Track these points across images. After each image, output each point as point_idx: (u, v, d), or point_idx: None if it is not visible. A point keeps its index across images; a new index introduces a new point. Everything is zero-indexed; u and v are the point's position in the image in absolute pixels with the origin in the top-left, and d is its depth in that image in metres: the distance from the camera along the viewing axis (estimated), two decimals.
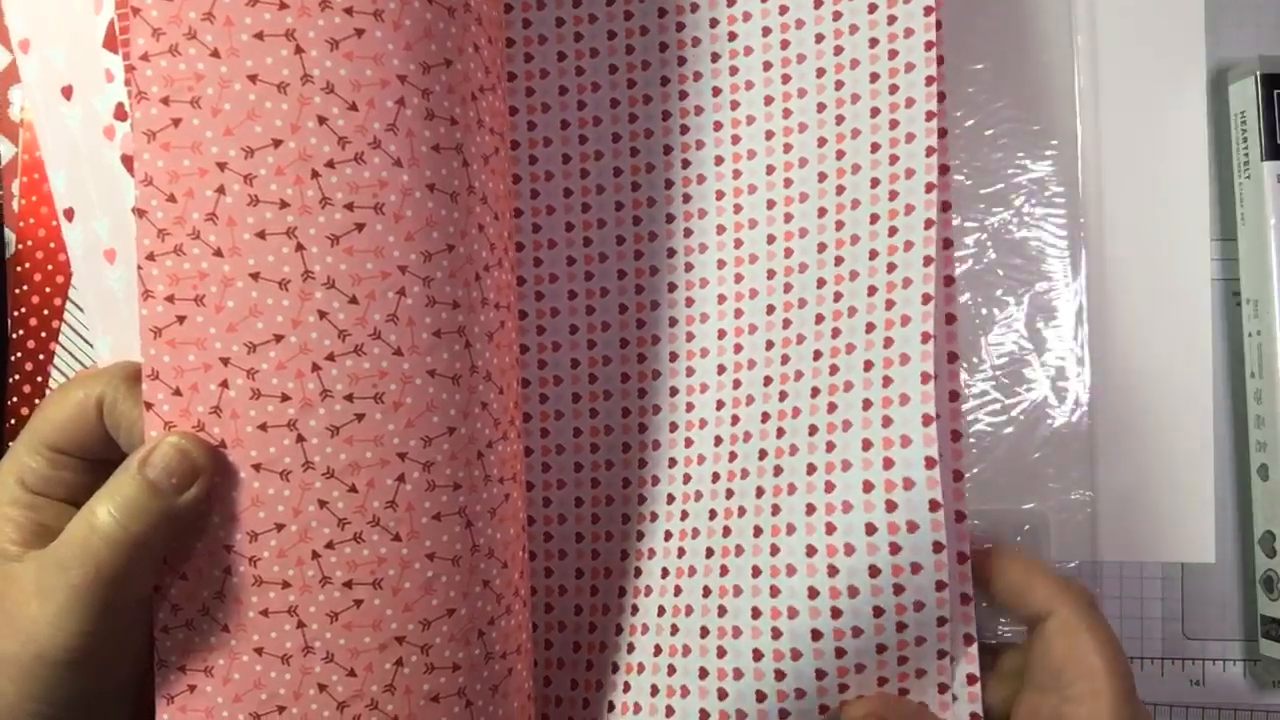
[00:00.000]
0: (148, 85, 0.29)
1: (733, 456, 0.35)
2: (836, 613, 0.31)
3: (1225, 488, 0.41)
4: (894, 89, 0.34)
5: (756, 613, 0.33)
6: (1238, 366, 0.41)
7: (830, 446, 0.32)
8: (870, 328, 0.33)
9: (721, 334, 0.37)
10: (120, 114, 0.37)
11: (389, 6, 0.29)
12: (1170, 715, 0.41)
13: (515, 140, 0.38)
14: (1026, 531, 0.41)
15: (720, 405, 0.36)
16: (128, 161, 0.37)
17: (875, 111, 0.34)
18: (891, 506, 0.31)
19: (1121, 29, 0.41)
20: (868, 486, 0.31)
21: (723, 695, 0.33)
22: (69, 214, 0.38)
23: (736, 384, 0.36)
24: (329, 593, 0.29)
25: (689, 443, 0.37)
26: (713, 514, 0.35)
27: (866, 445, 0.32)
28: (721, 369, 0.36)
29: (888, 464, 0.31)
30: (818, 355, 0.34)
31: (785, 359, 0.35)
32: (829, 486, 0.32)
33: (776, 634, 0.32)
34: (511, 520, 0.33)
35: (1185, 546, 0.41)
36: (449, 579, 0.30)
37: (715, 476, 0.36)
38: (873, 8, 0.34)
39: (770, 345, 0.35)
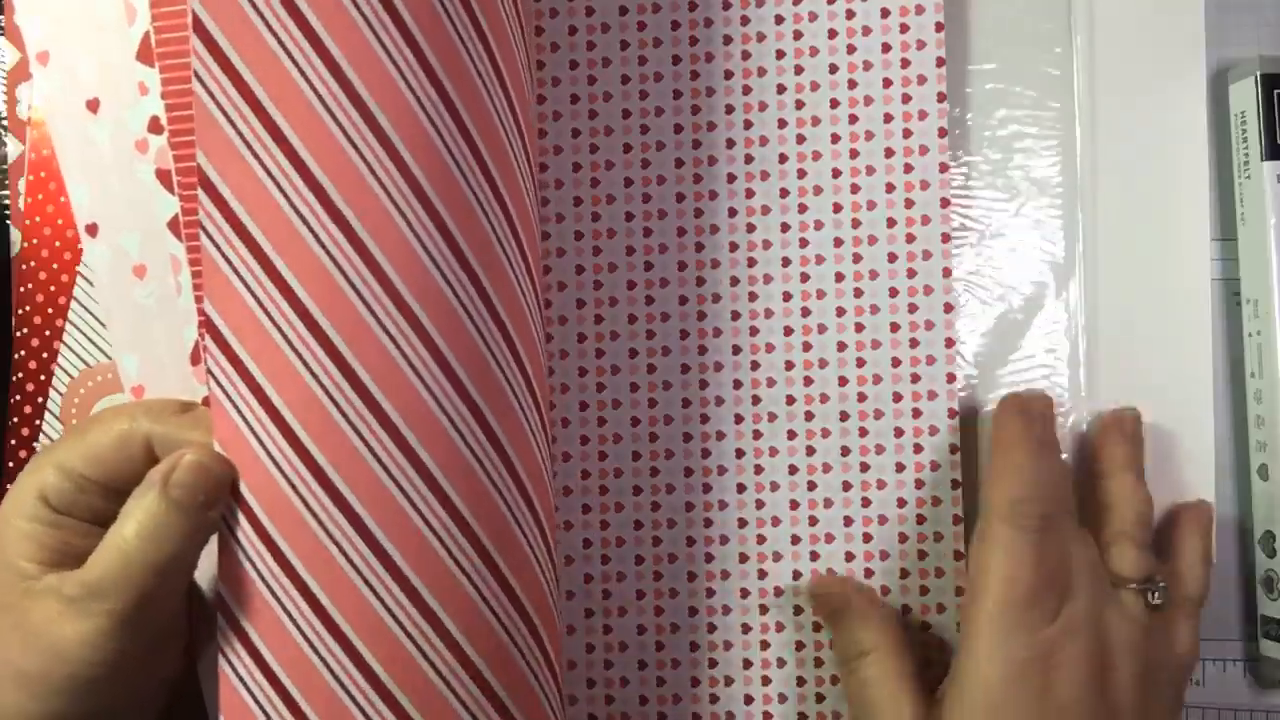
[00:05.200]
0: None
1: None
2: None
3: (1225, 488, 0.41)
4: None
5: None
6: (1238, 366, 0.41)
7: (864, 467, 0.38)
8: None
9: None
10: (155, 127, 0.37)
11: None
12: None
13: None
14: None
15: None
16: (163, 176, 0.37)
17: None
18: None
19: (1121, 29, 0.41)
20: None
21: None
22: (92, 229, 0.37)
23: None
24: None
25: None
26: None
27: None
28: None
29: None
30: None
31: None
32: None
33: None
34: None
35: None
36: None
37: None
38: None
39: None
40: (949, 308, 0.38)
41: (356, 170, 0.29)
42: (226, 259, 0.29)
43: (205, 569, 0.32)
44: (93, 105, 0.38)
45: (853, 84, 0.38)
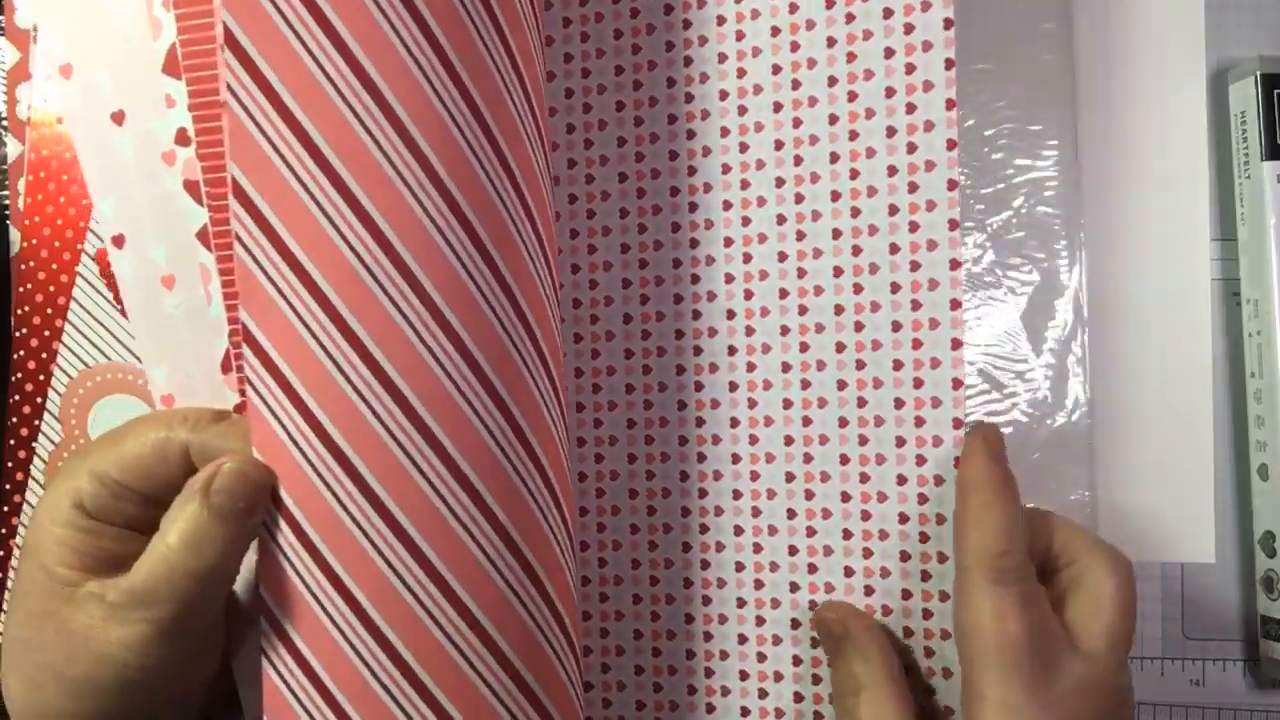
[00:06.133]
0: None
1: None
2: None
3: (1225, 488, 0.41)
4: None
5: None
6: (1238, 366, 0.41)
7: (864, 478, 0.36)
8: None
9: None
10: (182, 139, 0.37)
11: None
12: (1170, 715, 0.41)
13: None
14: None
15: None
16: (191, 187, 0.37)
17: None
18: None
19: (1122, 29, 0.41)
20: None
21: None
22: (118, 241, 0.38)
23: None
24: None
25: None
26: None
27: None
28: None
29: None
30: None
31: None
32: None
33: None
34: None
35: (1185, 546, 0.41)
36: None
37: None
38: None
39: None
40: (956, 304, 0.34)
41: (387, 178, 0.29)
42: (261, 268, 0.29)
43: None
44: (117, 117, 0.38)
45: (851, 57, 0.34)
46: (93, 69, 0.38)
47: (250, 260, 0.30)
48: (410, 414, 0.29)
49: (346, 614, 0.29)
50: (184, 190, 0.37)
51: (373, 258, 0.29)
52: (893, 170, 0.34)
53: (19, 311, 0.40)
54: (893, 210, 0.34)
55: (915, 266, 0.34)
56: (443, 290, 0.30)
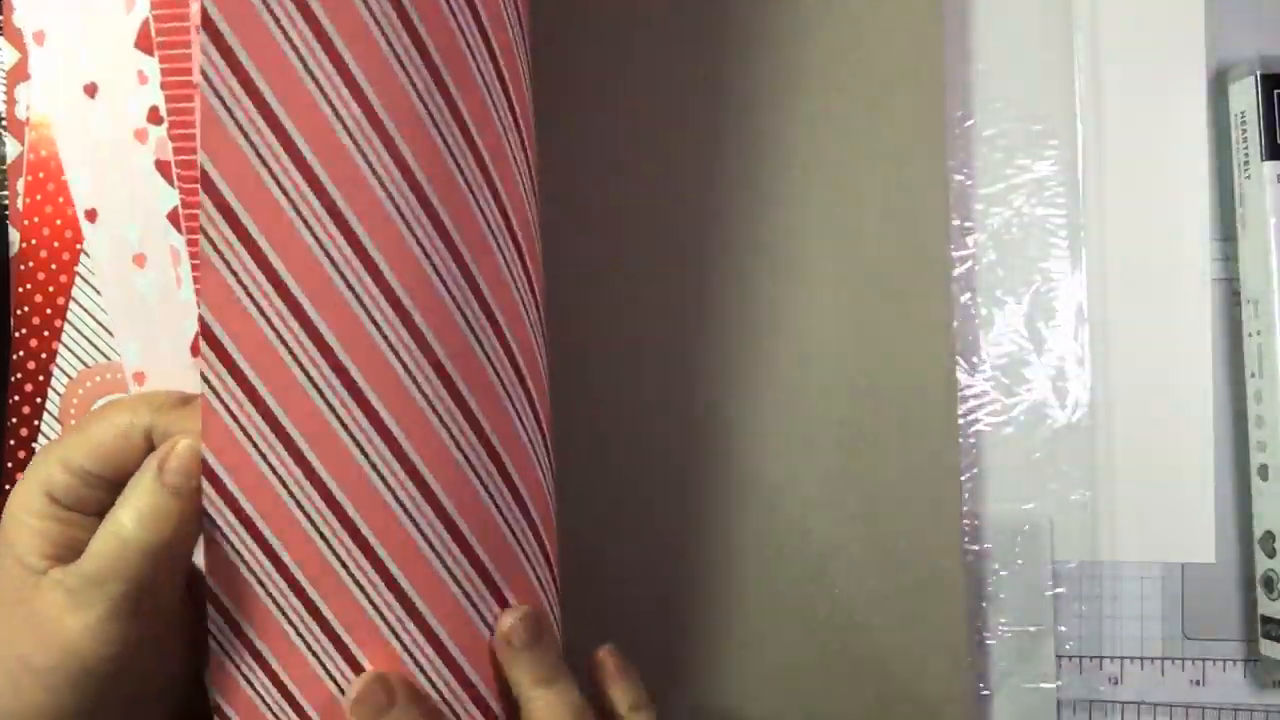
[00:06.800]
0: None
1: None
2: None
3: (1225, 488, 0.41)
4: None
5: None
6: (1238, 366, 0.41)
7: None
8: None
9: None
10: (154, 117, 0.36)
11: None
12: (1170, 715, 0.41)
13: None
14: (1026, 531, 0.41)
15: None
16: (163, 167, 0.36)
17: None
18: None
19: (1121, 29, 0.41)
20: None
21: None
22: (91, 215, 0.37)
23: None
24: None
25: None
26: None
27: None
28: None
29: None
30: None
31: None
32: None
33: None
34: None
35: (1185, 546, 0.41)
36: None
37: None
38: None
39: None
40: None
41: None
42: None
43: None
44: (89, 90, 0.37)
45: None
46: (68, 39, 0.37)
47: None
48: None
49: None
50: (156, 170, 0.36)
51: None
52: None
53: (18, 312, 0.40)
54: None
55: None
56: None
